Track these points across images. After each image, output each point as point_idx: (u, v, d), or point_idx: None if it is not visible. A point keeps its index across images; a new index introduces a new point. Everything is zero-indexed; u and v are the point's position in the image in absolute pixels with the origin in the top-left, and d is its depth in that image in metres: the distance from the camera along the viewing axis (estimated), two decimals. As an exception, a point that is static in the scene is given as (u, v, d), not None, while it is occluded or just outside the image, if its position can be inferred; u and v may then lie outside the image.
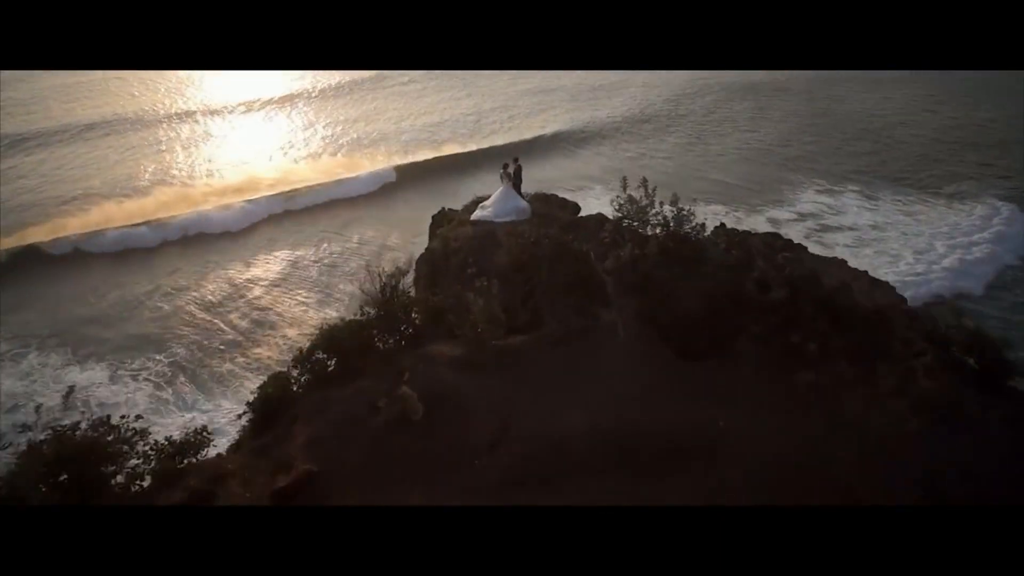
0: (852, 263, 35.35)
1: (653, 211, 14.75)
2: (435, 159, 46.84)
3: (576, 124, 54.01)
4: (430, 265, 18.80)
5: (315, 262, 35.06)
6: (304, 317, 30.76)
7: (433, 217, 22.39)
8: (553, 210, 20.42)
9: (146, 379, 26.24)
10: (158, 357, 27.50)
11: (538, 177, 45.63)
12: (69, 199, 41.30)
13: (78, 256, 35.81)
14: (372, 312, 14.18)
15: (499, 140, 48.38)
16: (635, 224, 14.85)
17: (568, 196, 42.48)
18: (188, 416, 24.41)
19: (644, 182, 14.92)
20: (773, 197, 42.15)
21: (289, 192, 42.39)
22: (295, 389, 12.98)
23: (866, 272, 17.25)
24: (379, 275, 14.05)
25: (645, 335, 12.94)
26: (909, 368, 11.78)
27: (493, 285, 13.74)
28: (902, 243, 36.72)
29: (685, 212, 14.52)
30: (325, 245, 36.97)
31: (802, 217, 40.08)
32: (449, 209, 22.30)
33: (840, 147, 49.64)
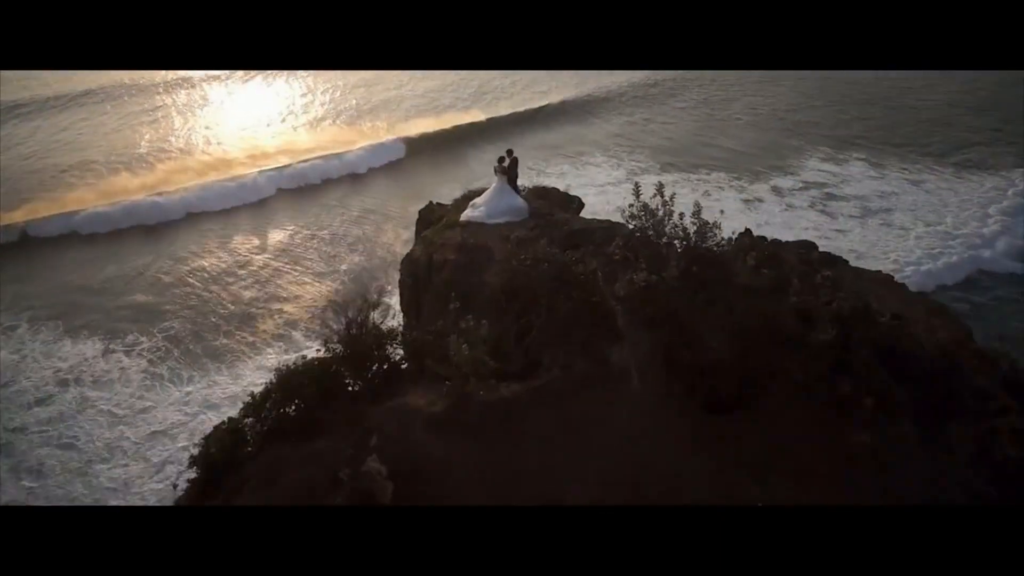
0: (860, 235, 35.25)
1: (671, 224, 12.30)
2: (441, 131, 45.76)
3: (582, 92, 52.89)
4: (413, 277, 16.91)
5: (315, 237, 34.68)
6: (302, 292, 30.61)
7: (420, 212, 20.41)
8: (553, 207, 18.37)
9: (139, 354, 26.13)
10: (152, 331, 27.38)
11: (542, 143, 45.17)
12: (66, 169, 40.66)
13: (72, 231, 35.06)
14: (338, 350, 12.24)
15: (503, 109, 47.19)
16: (650, 233, 12.36)
17: (568, 164, 42.26)
18: (183, 391, 24.49)
19: (660, 188, 12.36)
20: (779, 164, 41.28)
21: (291, 165, 41.18)
22: (248, 441, 11.18)
23: (921, 296, 14.92)
24: (346, 309, 12.29)
25: (664, 382, 10.82)
26: (990, 429, 9.80)
27: (481, 326, 11.39)
28: (912, 215, 35.96)
29: (709, 225, 12.14)
30: (327, 220, 36.30)
31: (807, 186, 39.28)
32: (437, 204, 20.40)
33: (847, 111, 48.43)
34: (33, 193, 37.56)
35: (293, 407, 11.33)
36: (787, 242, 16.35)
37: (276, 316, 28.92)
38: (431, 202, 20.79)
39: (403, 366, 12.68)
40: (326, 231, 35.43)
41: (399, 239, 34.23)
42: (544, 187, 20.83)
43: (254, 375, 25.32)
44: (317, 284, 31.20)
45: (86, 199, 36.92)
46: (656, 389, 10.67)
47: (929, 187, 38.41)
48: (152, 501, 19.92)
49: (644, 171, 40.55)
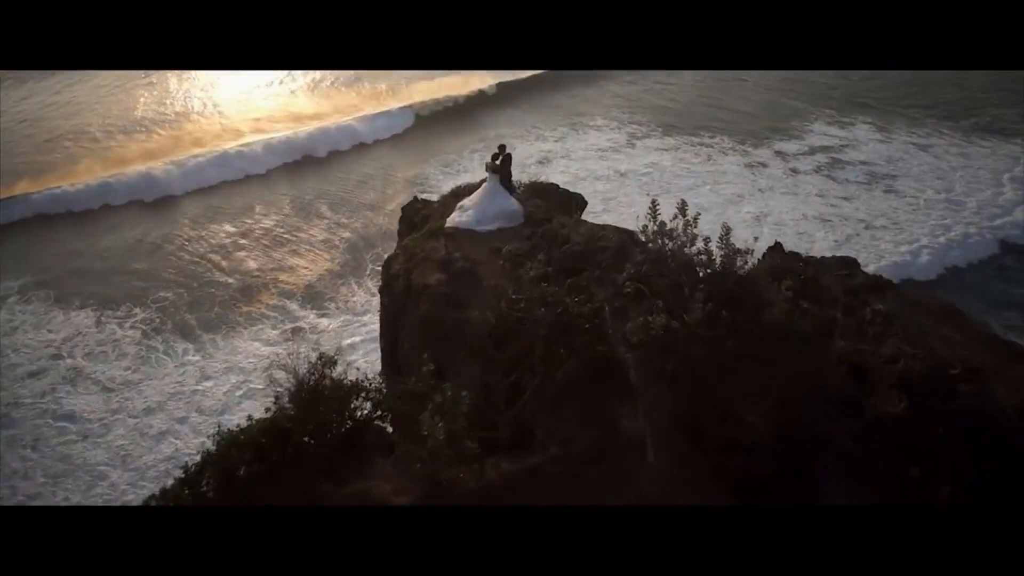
0: (867, 203, 34.21)
1: (695, 249, 10.13)
2: (447, 98, 44.55)
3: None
4: (391, 297, 14.68)
5: (313, 206, 34.05)
6: (299, 262, 30.28)
7: (403, 210, 18.34)
8: (552, 210, 15.89)
9: (133, 325, 25.93)
10: (147, 301, 27.09)
11: (547, 103, 44.12)
12: (60, 137, 40.00)
13: (64, 204, 34.05)
14: (290, 411, 10.21)
15: (507, 75, 45.95)
16: (668, 254, 10.14)
17: (568, 127, 41.27)
18: (179, 364, 24.36)
19: (682, 207, 10.28)
20: (782, 127, 40.38)
21: (292, 133, 40.02)
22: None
23: (985, 328, 12.71)
24: (296, 369, 10.38)
25: (686, 457, 9.11)
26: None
27: (461, 400, 9.19)
28: (920, 183, 35.19)
29: (740, 252, 10.01)
30: (327, 188, 35.75)
31: (812, 150, 38.46)
32: (423, 199, 18.45)
33: (852, 71, 47.10)
34: (26, 162, 36.88)
35: (236, 480, 9.38)
36: (823, 260, 13.81)
37: (272, 287, 28.67)
38: (416, 197, 18.87)
39: (374, 420, 10.92)
40: (325, 200, 34.91)
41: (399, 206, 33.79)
42: (542, 183, 18.18)
43: (249, 346, 25.26)
44: (315, 254, 30.90)
45: (79, 171, 36.12)
46: (676, 466, 8.76)
47: (937, 152, 37.55)
48: (150, 475, 19.98)
49: (645, 135, 39.80)
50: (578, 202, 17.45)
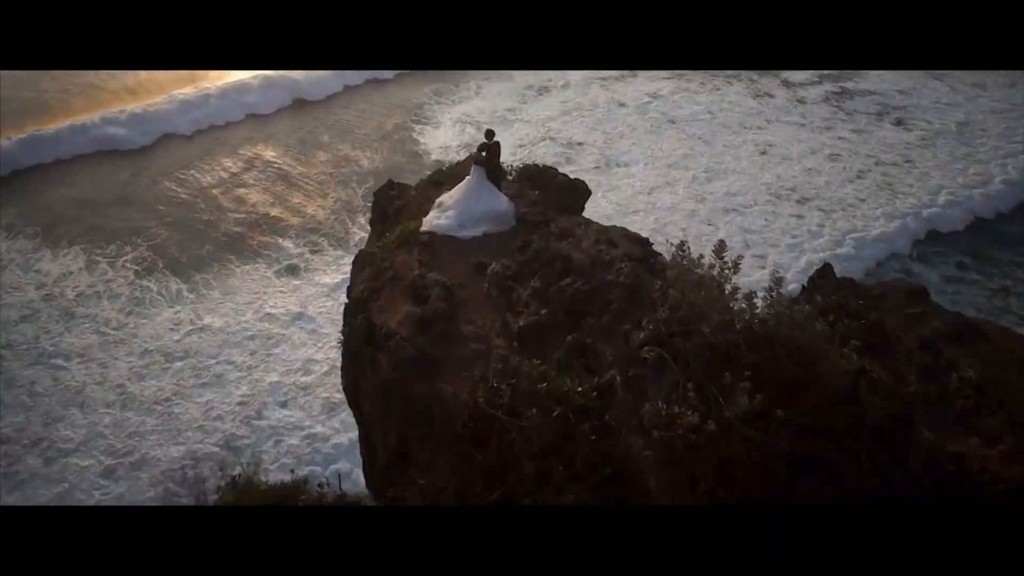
0: (879, 139, 32.66)
1: (733, 301, 7.53)
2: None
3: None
4: (350, 330, 12.01)
5: (307, 143, 32.86)
6: (290, 197, 29.52)
7: (376, 196, 15.78)
8: (549, 207, 13.48)
9: (124, 265, 25.30)
10: (136, 240, 26.38)
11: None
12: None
13: (47, 150, 31.79)
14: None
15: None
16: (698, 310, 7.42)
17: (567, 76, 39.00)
18: (172, 307, 23.87)
19: (720, 247, 7.85)
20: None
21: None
22: None
23: None
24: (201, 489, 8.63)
25: None
26: None
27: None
28: (936, 116, 34.12)
29: (798, 306, 7.56)
30: (323, 124, 34.47)
31: (820, 79, 37.25)
32: (398, 183, 15.85)
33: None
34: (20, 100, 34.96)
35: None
36: (885, 293, 10.22)
37: (263, 224, 27.99)
38: (390, 181, 16.22)
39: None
40: (321, 136, 33.75)
41: (392, 150, 32.88)
42: (536, 167, 15.34)
43: (243, 284, 24.82)
44: (309, 189, 30.15)
45: (59, 113, 34.38)
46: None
47: (953, 83, 36.38)
48: (150, 423, 19.88)
49: (648, 62, 38.29)
50: (579, 192, 14.87)
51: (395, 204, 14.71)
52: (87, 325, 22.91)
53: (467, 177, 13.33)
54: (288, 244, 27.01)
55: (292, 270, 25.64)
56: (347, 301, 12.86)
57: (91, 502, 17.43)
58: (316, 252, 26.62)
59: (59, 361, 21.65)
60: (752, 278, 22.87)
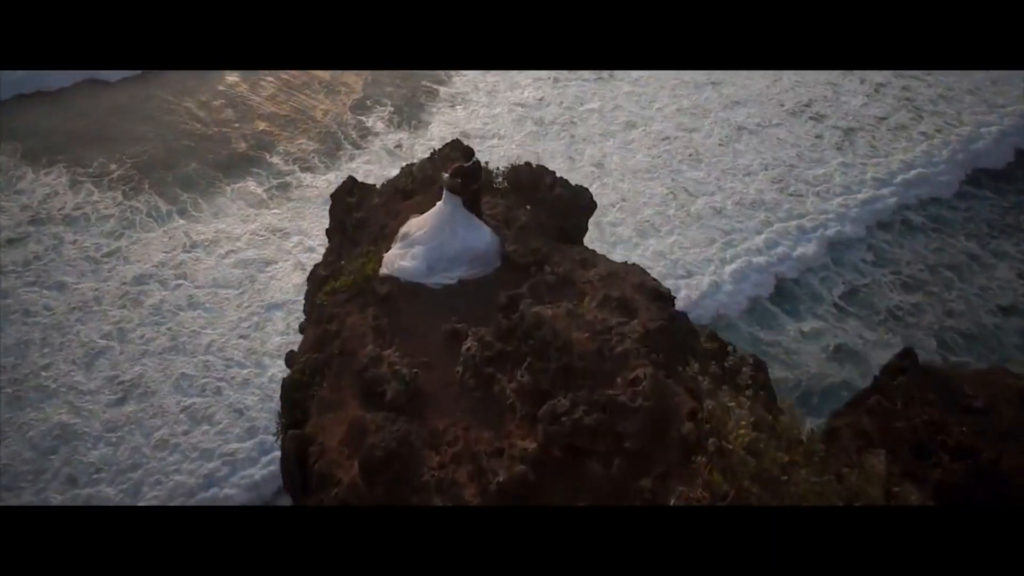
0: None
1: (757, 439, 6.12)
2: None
3: None
4: (284, 459, 9.26)
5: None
6: (276, 108, 28.48)
7: (332, 198, 13.09)
8: (545, 230, 10.90)
9: (110, 185, 24.65)
10: (121, 156, 25.62)
11: None
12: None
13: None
14: None
15: None
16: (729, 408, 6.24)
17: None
18: (164, 227, 23.44)
19: (755, 363, 6.43)
20: None
21: None
22: None
23: None
24: None
25: None
26: None
27: None
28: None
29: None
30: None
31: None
32: (360, 184, 13.04)
33: None
34: None
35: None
36: (988, 406, 7.71)
37: (250, 138, 27.10)
38: (350, 178, 13.39)
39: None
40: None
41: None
42: (528, 168, 12.00)
43: (234, 206, 24.36)
44: (297, 101, 29.05)
45: None
46: None
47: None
48: (152, 349, 19.92)
49: None
50: (582, 207, 12.01)
51: (354, 216, 12.05)
52: (77, 250, 22.56)
53: (438, 204, 10.53)
54: (277, 160, 26.32)
55: (284, 189, 25.11)
56: (286, 375, 9.98)
57: (94, 422, 17.63)
58: (307, 170, 26.04)
59: (53, 293, 21.39)
60: (768, 196, 22.59)
